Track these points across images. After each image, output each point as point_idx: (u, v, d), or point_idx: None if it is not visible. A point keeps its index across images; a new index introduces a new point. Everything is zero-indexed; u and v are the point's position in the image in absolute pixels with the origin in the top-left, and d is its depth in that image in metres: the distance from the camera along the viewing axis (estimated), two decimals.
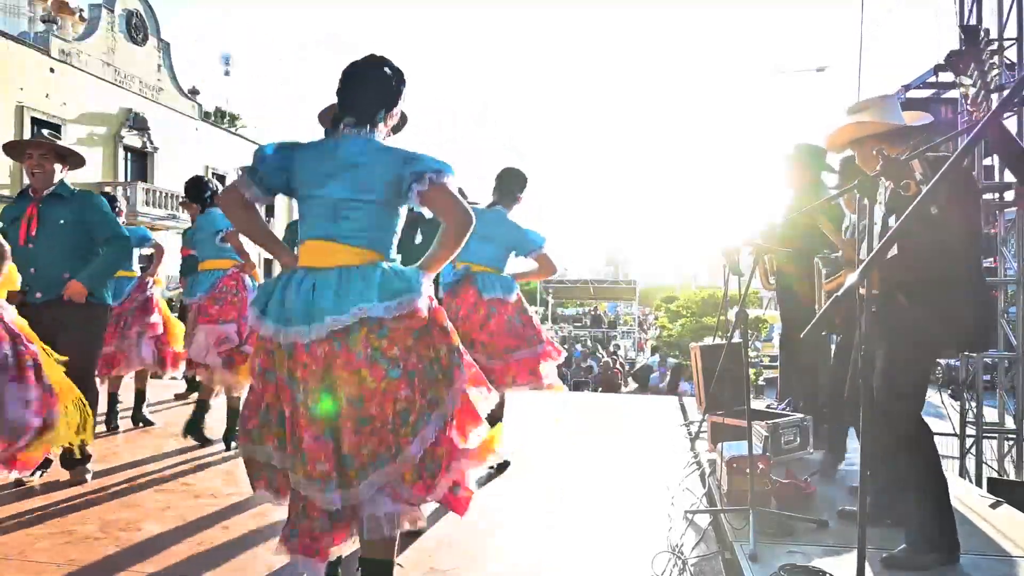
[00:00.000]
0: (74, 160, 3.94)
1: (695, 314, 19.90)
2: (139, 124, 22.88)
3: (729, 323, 5.80)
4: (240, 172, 2.16)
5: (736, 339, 4.19)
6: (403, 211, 2.18)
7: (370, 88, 2.18)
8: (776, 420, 4.12)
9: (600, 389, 14.75)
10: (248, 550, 2.89)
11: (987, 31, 5.83)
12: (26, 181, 3.85)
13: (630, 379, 16.65)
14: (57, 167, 3.80)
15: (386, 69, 2.21)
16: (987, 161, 6.47)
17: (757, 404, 5.50)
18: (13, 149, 3.91)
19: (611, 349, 22.34)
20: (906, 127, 2.90)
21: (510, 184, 4.21)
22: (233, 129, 30.69)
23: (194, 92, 26.51)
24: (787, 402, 5.02)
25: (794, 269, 4.27)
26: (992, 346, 6.51)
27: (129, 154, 22.94)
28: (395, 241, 2.18)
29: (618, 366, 17.44)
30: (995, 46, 5.86)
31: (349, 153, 2.10)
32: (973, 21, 6.40)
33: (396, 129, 2.46)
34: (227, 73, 34.70)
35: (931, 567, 2.56)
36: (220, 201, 2.29)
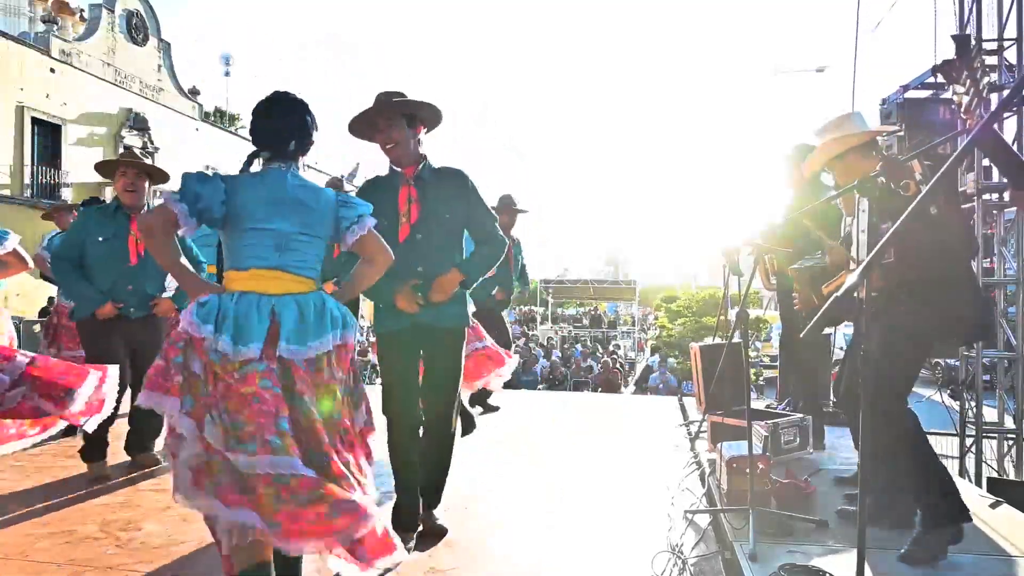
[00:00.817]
0: (159, 177, 4.13)
1: (695, 314, 19.90)
2: (139, 124, 22.88)
3: (729, 323, 5.81)
4: (171, 197, 2.22)
5: (736, 339, 4.20)
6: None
7: (288, 121, 2.36)
8: (776, 420, 4.13)
9: (600, 389, 14.75)
10: None
11: (979, 39, 5.84)
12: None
13: (630, 380, 16.68)
14: (146, 184, 4.02)
15: (296, 104, 2.39)
16: (986, 162, 6.48)
17: (757, 404, 5.51)
18: (106, 167, 4.08)
19: (611, 349, 22.34)
20: (875, 136, 2.94)
21: None
22: (233, 129, 30.71)
23: (194, 92, 26.50)
24: (787, 402, 5.03)
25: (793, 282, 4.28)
26: (991, 339, 6.50)
27: None
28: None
29: (618, 366, 17.45)
30: (994, 46, 5.87)
31: (290, 188, 2.29)
32: (972, 21, 6.40)
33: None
34: (227, 73, 34.64)
35: (952, 542, 2.62)
36: (149, 220, 2.29)
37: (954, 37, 5.55)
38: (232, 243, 2.27)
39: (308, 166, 31.84)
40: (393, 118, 2.88)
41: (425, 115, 2.96)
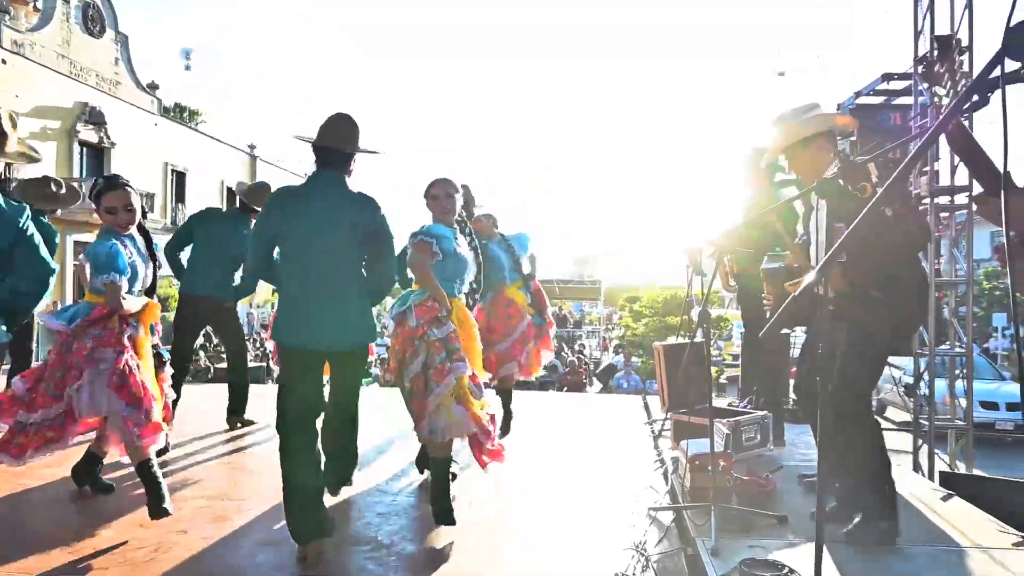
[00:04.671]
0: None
1: (658, 314, 20.08)
2: (95, 119, 22.23)
3: (692, 322, 5.88)
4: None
5: (699, 338, 4.25)
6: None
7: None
8: (737, 418, 4.19)
9: (565, 389, 14.80)
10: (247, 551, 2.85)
11: (959, 40, 5.97)
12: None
13: (595, 379, 16.75)
14: None
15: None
16: (938, 165, 6.67)
17: (719, 402, 5.58)
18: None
19: (576, 348, 22.43)
20: (845, 125, 3.02)
21: None
22: (193, 125, 30.07)
23: (153, 87, 25.86)
24: (748, 400, 5.11)
25: (754, 269, 4.34)
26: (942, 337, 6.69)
27: (85, 149, 22.28)
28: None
29: (583, 366, 17.52)
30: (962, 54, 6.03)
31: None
32: (925, 28, 6.58)
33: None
34: (188, 67, 33.92)
35: (887, 536, 2.77)
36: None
37: (936, 38, 5.56)
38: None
39: (270, 163, 31.31)
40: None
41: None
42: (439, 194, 3.46)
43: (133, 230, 3.40)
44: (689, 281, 6.42)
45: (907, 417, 7.16)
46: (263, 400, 5.00)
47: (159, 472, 3.14)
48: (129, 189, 3.35)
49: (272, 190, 5.06)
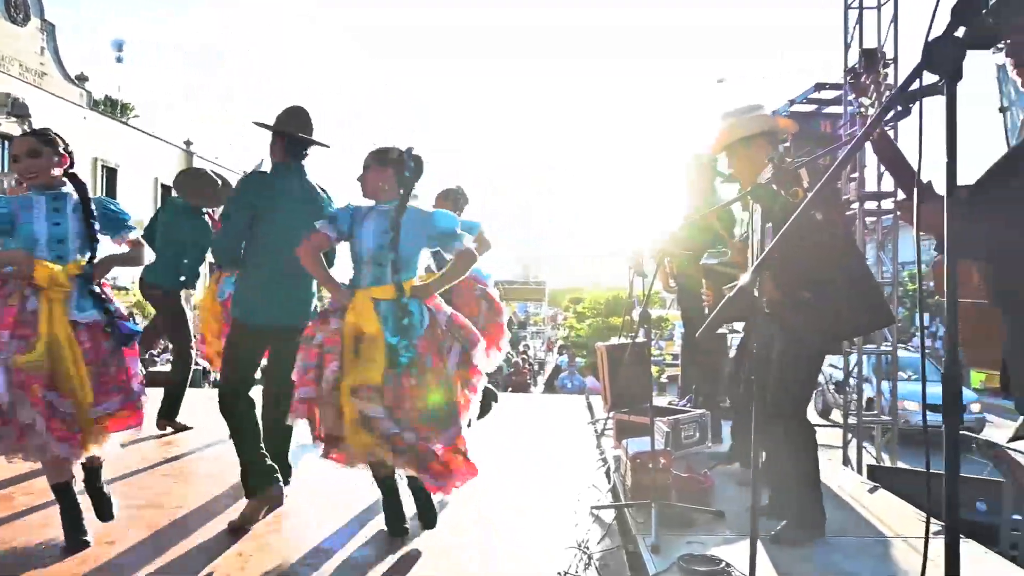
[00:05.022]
0: None
1: (601, 314, 20.37)
2: (19, 111, 21.10)
3: (634, 323, 5.96)
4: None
5: (640, 338, 4.32)
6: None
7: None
8: (677, 416, 4.28)
9: (510, 389, 14.85)
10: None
11: (884, 53, 6.25)
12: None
13: (540, 380, 16.87)
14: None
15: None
16: (864, 172, 6.98)
17: (660, 401, 5.69)
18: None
19: (521, 349, 22.54)
20: (787, 128, 3.13)
21: None
22: (125, 119, 28.95)
23: (82, 79, 24.77)
24: (688, 399, 5.23)
25: (693, 271, 4.45)
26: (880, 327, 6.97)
27: (6, 143, 21.19)
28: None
29: (527, 366, 17.62)
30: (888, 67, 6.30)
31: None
32: (854, 41, 6.87)
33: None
34: (119, 60, 32.61)
35: (811, 540, 2.85)
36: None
37: (863, 51, 5.85)
38: None
39: (207, 159, 30.43)
40: None
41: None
42: (363, 168, 3.03)
43: (67, 189, 2.95)
44: (631, 282, 6.54)
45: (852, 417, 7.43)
46: (202, 405, 4.84)
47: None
48: (35, 137, 2.92)
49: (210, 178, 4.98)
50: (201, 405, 5.02)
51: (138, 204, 26.61)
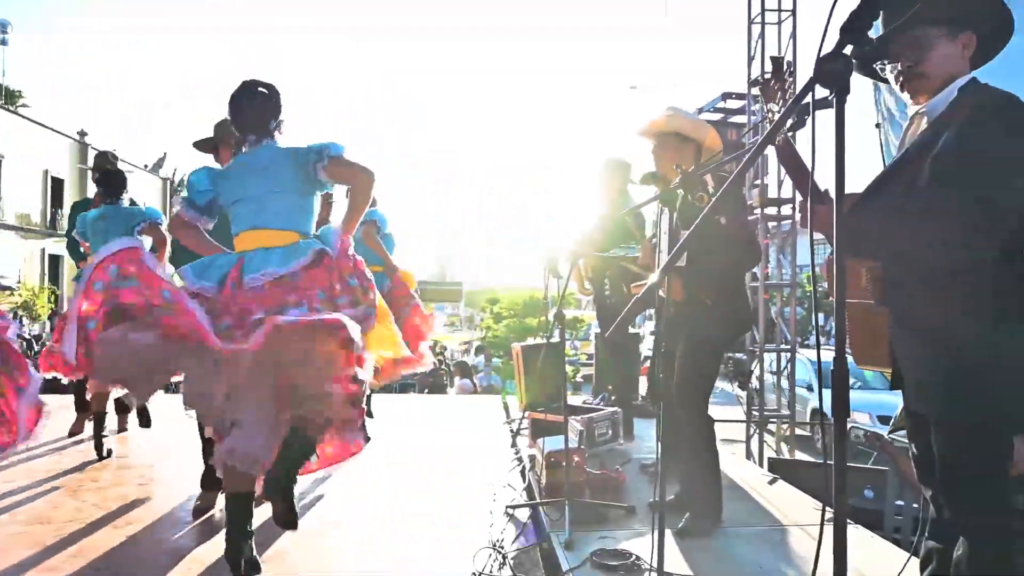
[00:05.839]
0: None
1: (517, 315, 20.53)
2: None
3: (549, 323, 6.04)
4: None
5: (555, 339, 4.39)
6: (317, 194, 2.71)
7: (257, 107, 2.67)
8: (591, 415, 4.36)
9: (427, 390, 14.73)
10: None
11: (791, 63, 6.58)
12: None
13: (456, 380, 16.81)
14: None
15: (262, 89, 2.70)
16: (768, 179, 7.35)
17: (574, 400, 5.79)
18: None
19: (437, 350, 22.40)
20: (713, 144, 3.24)
21: None
22: (12, 107, 26.92)
23: None
24: (601, 397, 5.34)
25: (606, 272, 4.56)
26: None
27: None
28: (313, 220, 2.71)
29: (444, 367, 17.52)
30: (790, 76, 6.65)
31: (259, 159, 2.64)
32: (757, 54, 7.22)
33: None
34: (3, 42, 30.30)
35: (712, 530, 2.98)
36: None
37: (772, 58, 6.13)
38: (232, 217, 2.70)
39: (114, 155, 28.65)
40: None
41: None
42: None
43: None
44: (546, 283, 6.62)
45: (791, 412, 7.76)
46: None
47: None
48: None
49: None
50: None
51: (25, 198, 24.79)
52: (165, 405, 4.88)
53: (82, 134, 28.15)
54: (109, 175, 4.57)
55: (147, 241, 4.32)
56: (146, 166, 31.77)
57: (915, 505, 3.85)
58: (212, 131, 3.64)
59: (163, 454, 4.69)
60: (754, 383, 7.89)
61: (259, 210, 2.59)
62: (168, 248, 4.26)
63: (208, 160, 3.58)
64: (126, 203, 4.51)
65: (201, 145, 3.69)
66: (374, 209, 4.97)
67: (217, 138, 3.62)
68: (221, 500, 3.08)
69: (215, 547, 2.93)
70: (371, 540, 3.14)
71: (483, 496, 3.72)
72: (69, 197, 25.29)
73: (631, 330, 5.55)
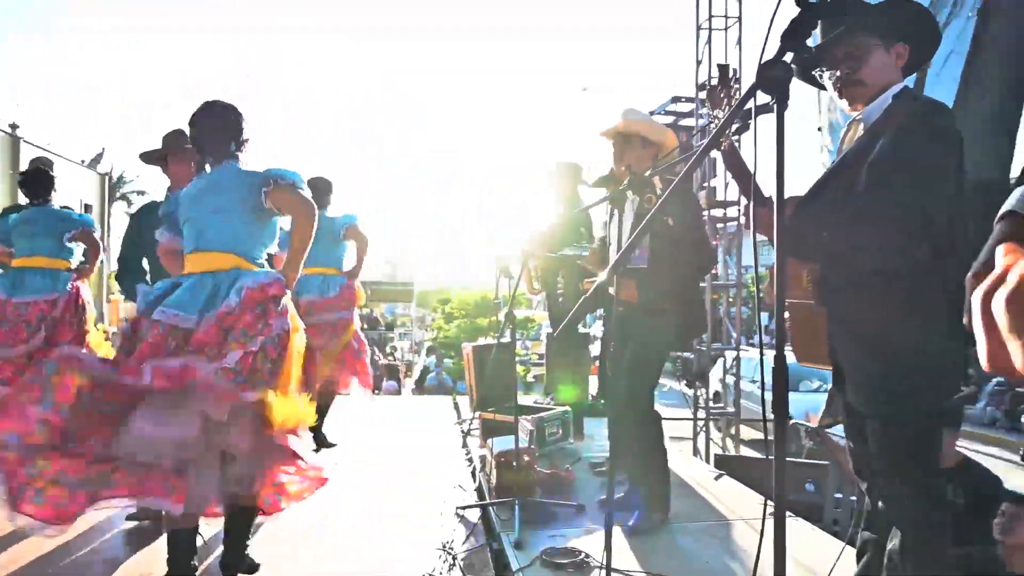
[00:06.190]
0: None
1: (468, 315, 20.53)
2: None
3: (500, 323, 6.05)
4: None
5: (506, 339, 4.39)
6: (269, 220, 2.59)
7: (217, 128, 2.58)
8: (541, 415, 4.39)
9: (378, 392, 14.60)
10: None
11: (736, 70, 6.74)
12: None
13: (408, 381, 16.70)
14: None
15: (222, 109, 2.60)
16: (714, 182, 7.52)
17: (525, 400, 5.81)
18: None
19: (388, 351, 22.21)
20: (671, 148, 3.29)
21: None
22: None
23: None
24: (551, 397, 5.38)
25: (557, 272, 4.59)
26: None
27: None
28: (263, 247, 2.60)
29: (396, 368, 17.38)
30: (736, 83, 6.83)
31: (213, 180, 2.56)
32: (705, 58, 7.38)
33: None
34: None
35: (661, 524, 3.05)
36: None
37: (718, 66, 6.29)
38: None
39: (37, 146, 27.56)
40: None
41: None
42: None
43: None
44: (497, 283, 6.64)
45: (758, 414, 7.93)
46: None
47: None
48: None
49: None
50: None
51: None
52: None
53: (13, 127, 26.89)
54: (38, 174, 4.15)
55: (78, 249, 4.02)
56: (83, 161, 30.59)
57: (852, 498, 3.98)
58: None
59: None
60: (717, 385, 8.10)
61: (202, 231, 2.51)
62: (99, 258, 4.02)
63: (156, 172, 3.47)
64: (55, 205, 4.07)
65: (147, 157, 3.54)
66: (353, 214, 4.85)
67: (164, 150, 3.49)
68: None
69: (154, 554, 2.85)
70: (320, 540, 3.09)
71: (434, 497, 3.70)
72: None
73: (581, 330, 5.60)
